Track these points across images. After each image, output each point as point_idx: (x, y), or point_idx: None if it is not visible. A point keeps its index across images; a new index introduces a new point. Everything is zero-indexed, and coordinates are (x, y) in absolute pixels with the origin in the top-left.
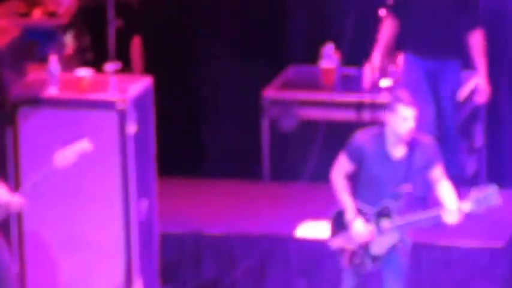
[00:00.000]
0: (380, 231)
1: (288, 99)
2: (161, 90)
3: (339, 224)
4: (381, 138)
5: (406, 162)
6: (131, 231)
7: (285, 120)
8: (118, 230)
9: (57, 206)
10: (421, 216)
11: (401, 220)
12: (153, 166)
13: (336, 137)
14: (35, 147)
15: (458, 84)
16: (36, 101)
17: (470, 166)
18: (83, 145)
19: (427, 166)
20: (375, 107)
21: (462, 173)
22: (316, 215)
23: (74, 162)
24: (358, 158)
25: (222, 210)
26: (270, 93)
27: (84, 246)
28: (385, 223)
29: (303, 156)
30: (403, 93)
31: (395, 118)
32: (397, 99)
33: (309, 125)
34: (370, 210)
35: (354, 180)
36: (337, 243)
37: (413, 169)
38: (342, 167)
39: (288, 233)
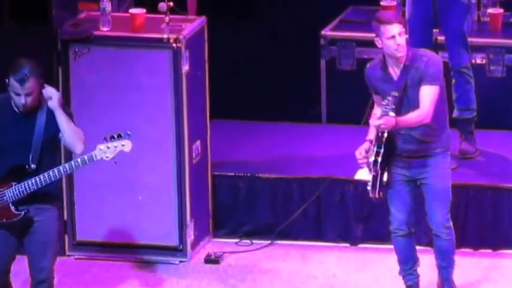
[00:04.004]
0: None
1: (347, 39)
2: (215, 31)
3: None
4: (383, 63)
5: (401, 80)
6: (184, 173)
7: (343, 60)
8: (170, 172)
9: None
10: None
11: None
12: (206, 107)
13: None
14: (86, 86)
15: (462, 22)
16: (88, 39)
17: None
18: (125, 145)
19: (420, 82)
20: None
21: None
22: None
23: (113, 156)
24: (372, 87)
25: (277, 153)
26: (328, 32)
27: (136, 188)
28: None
29: (361, 97)
30: (383, 14)
31: (383, 40)
32: (380, 21)
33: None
34: None
35: None
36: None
37: (409, 86)
38: (375, 100)
39: (345, 177)
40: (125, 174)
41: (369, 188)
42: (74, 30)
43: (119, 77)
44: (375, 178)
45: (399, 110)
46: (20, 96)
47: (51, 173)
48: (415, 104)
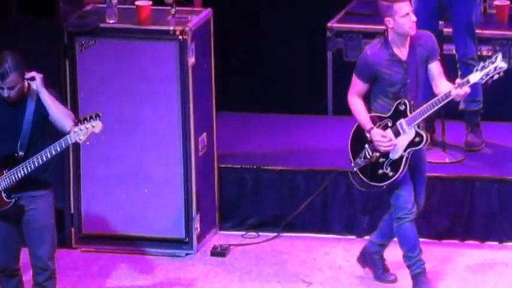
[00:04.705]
0: (398, 131)
1: (353, 31)
2: (222, 22)
3: (357, 144)
4: (386, 46)
5: (412, 59)
6: (190, 165)
7: (349, 52)
8: (177, 164)
9: (115, 139)
10: (432, 102)
11: (414, 113)
12: (212, 99)
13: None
14: (93, 78)
15: (470, 13)
16: (94, 32)
17: None
18: (95, 127)
19: (427, 59)
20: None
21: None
22: None
23: (86, 139)
24: (371, 75)
25: (284, 145)
26: (334, 24)
27: (142, 181)
28: (402, 121)
29: None
30: None
31: (397, 19)
32: (391, 0)
33: None
34: (387, 115)
35: (370, 96)
36: (360, 162)
37: (418, 64)
38: (356, 89)
39: (351, 168)
40: (131, 167)
41: (390, 173)
42: (80, 22)
43: (125, 69)
44: (407, 160)
45: (416, 90)
46: (3, 90)
47: (34, 159)
48: (421, 82)
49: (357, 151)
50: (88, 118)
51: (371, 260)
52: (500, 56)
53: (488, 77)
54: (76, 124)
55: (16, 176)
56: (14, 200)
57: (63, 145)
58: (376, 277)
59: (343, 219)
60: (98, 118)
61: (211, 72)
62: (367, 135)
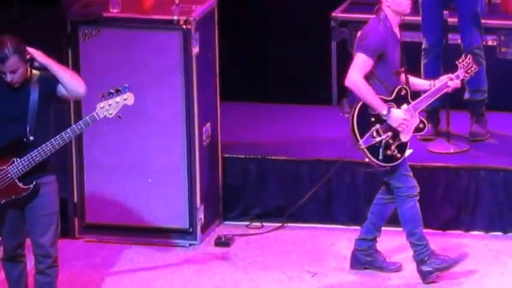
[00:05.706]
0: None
1: (357, 20)
2: (226, 12)
3: (364, 123)
4: (387, 24)
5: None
6: (194, 155)
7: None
8: (181, 154)
9: (119, 129)
10: (432, 91)
11: (418, 99)
12: (216, 89)
13: (406, 58)
14: (96, 67)
15: (475, 2)
16: (97, 21)
17: None
18: (127, 99)
19: None
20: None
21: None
22: None
23: (117, 112)
24: (380, 52)
25: (288, 135)
26: (339, 14)
27: (146, 170)
28: (408, 107)
29: None
30: None
31: None
32: None
33: None
34: (389, 98)
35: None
36: (370, 140)
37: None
38: (363, 68)
39: (356, 159)
40: (134, 156)
41: (398, 155)
42: (83, 11)
43: (129, 58)
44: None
45: (398, 63)
46: (6, 75)
47: (54, 141)
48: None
49: (363, 130)
50: (115, 91)
51: (367, 257)
52: (469, 58)
53: (469, 75)
54: (101, 99)
55: (31, 161)
56: (32, 186)
57: (90, 123)
58: (380, 267)
59: (347, 209)
60: (127, 90)
61: (216, 61)
62: (384, 114)
